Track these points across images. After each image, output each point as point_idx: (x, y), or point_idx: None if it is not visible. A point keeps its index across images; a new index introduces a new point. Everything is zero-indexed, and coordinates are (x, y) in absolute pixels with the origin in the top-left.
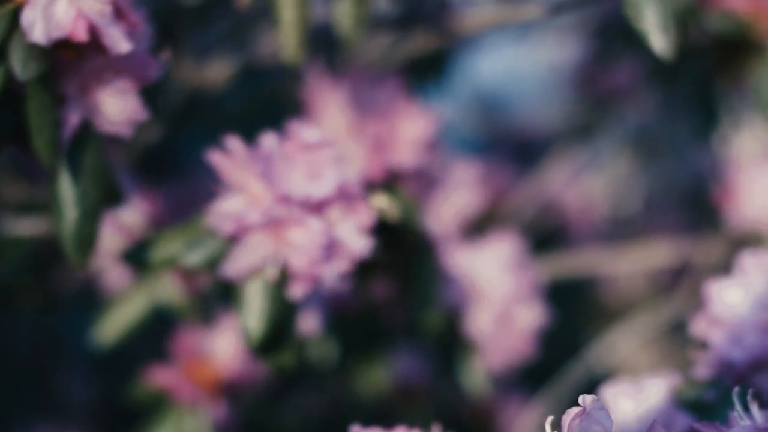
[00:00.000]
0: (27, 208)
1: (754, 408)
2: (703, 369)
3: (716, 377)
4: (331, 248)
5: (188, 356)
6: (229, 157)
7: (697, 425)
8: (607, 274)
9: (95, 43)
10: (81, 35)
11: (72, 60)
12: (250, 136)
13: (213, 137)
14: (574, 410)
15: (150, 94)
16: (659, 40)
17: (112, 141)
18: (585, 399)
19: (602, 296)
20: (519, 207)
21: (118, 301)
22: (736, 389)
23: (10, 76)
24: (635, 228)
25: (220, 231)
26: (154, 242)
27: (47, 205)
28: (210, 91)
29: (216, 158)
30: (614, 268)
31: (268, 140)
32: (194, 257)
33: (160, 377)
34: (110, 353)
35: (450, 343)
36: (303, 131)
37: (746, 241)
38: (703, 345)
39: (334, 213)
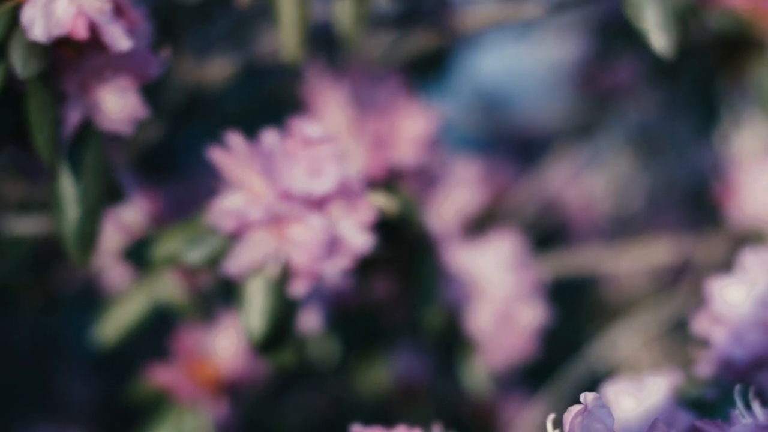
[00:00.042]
0: (27, 206)
1: (756, 406)
2: (704, 367)
3: (718, 375)
4: (332, 245)
5: (189, 355)
6: (230, 154)
7: (698, 423)
8: (609, 272)
9: (95, 41)
10: (81, 33)
11: (72, 58)
12: (250, 134)
13: (213, 135)
14: (576, 408)
15: (150, 92)
16: (659, 38)
17: (113, 139)
18: (586, 397)
19: (603, 294)
20: (520, 205)
21: (118, 300)
22: (738, 387)
23: (10, 75)
24: (636, 226)
25: (221, 228)
26: (154, 240)
27: (48, 204)
28: (210, 90)
29: (217, 155)
30: (615, 266)
31: (269, 137)
32: (195, 255)
33: (160, 376)
34: (111, 352)
35: (451, 342)
36: (304, 127)
37: (747, 238)
38: (705, 343)
39: (336, 209)
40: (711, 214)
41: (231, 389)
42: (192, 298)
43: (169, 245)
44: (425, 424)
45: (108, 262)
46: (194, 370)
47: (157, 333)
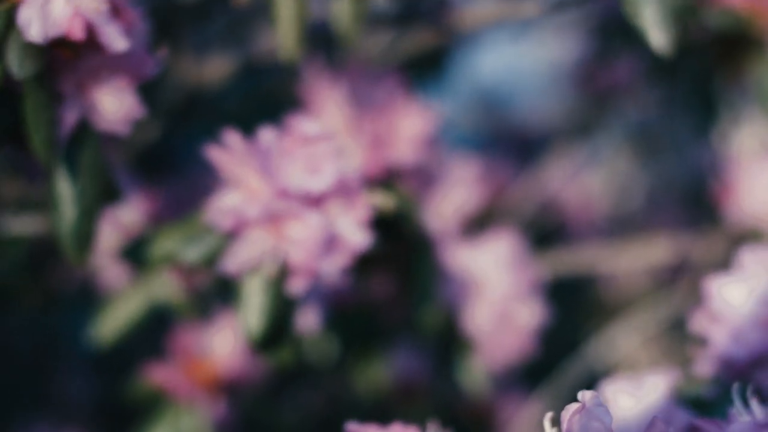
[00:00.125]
0: (25, 205)
1: (754, 404)
2: (702, 365)
3: (716, 374)
4: (329, 243)
5: (186, 354)
6: (227, 152)
7: (697, 422)
8: (607, 271)
9: (92, 42)
10: (77, 33)
11: (69, 58)
12: (248, 132)
13: (211, 134)
14: (574, 406)
15: (148, 91)
16: (658, 36)
17: (110, 138)
18: (584, 395)
19: (602, 293)
20: (518, 204)
21: (116, 299)
22: (736, 386)
23: (6, 75)
24: (635, 225)
25: (219, 226)
26: (152, 239)
27: (45, 203)
28: (208, 89)
29: (214, 153)
30: (614, 265)
31: (267, 134)
32: (193, 253)
33: (157, 375)
34: (108, 351)
35: (449, 341)
36: (302, 125)
37: (746, 237)
38: (703, 342)
39: (333, 207)
40: (710, 212)
41: (228, 388)
42: (189, 296)
43: (166, 244)
44: (423, 422)
45: (105, 261)
46: (192, 368)
47: (154, 332)
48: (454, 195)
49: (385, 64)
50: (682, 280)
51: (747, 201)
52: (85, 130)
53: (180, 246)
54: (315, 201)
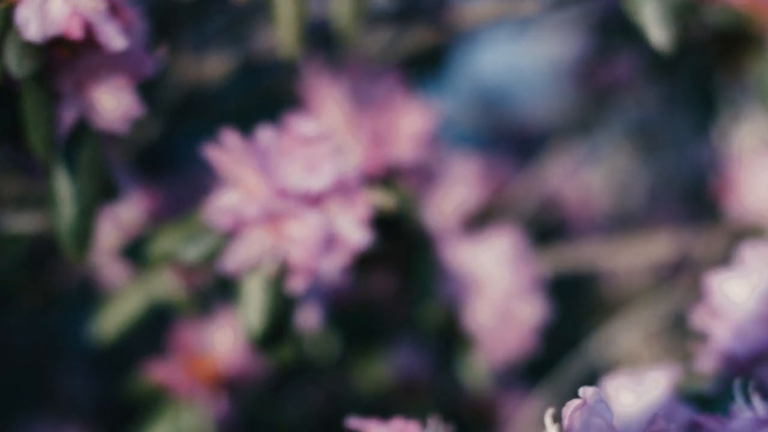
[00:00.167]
0: (24, 203)
1: (756, 400)
2: (704, 362)
3: (718, 370)
4: (329, 242)
5: (186, 351)
6: (226, 152)
7: (698, 418)
8: (608, 268)
9: (90, 40)
10: (76, 32)
11: (67, 57)
12: (248, 131)
13: (211, 133)
14: (575, 403)
15: (148, 89)
16: (658, 33)
17: (109, 137)
18: (586, 391)
19: (602, 290)
20: (519, 201)
21: (116, 297)
22: (738, 381)
23: (5, 74)
24: (636, 221)
25: (218, 226)
26: (152, 238)
27: (44, 201)
28: (208, 87)
29: (213, 153)
30: (614, 262)
31: (265, 134)
32: (192, 252)
33: (158, 372)
34: (109, 349)
35: (450, 338)
36: (300, 124)
37: (746, 233)
38: (704, 338)
39: (333, 206)
40: (710, 209)
41: (229, 385)
42: (190, 294)
43: (166, 243)
44: (424, 420)
45: (105, 259)
46: (192, 366)
47: (155, 330)
48: (455, 192)
49: (384, 62)
50: (682, 277)
51: (747, 197)
52: (83, 128)
53: (180, 245)
54: (314, 200)
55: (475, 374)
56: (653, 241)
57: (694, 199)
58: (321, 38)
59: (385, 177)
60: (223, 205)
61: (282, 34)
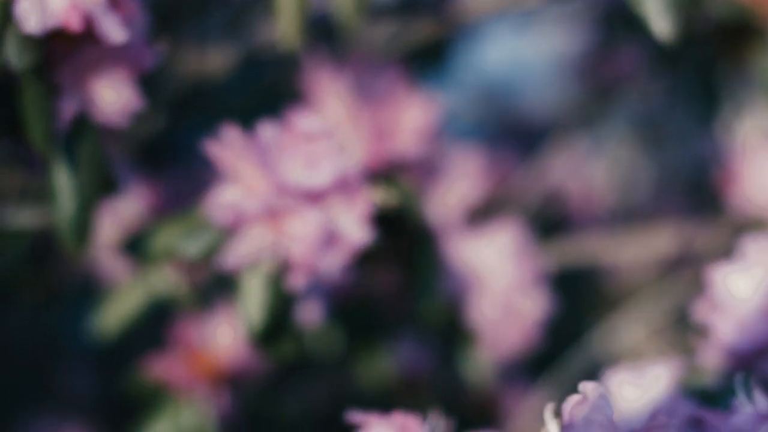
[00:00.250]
0: (25, 197)
1: (757, 394)
2: (706, 356)
3: (720, 364)
4: (330, 238)
5: (187, 347)
6: (227, 147)
7: (700, 412)
8: (611, 262)
9: (90, 33)
10: (75, 25)
11: (67, 50)
12: (251, 126)
13: (213, 127)
14: (575, 398)
15: (150, 83)
16: (661, 24)
17: (112, 131)
18: (586, 386)
19: (605, 283)
20: (522, 195)
21: (117, 293)
22: (740, 376)
23: (4, 67)
24: (639, 215)
25: (219, 221)
26: (152, 233)
27: (45, 195)
28: (210, 81)
29: (213, 148)
30: (617, 256)
31: (266, 130)
32: (193, 248)
33: (158, 369)
34: (110, 346)
35: (452, 333)
36: (302, 120)
37: (749, 226)
38: (706, 332)
39: (334, 203)
40: (713, 202)
41: (230, 381)
42: (191, 289)
43: (166, 238)
44: (426, 414)
45: (105, 254)
46: (193, 361)
47: (155, 327)
48: (457, 187)
49: (387, 55)
50: (686, 270)
51: (750, 190)
52: (84, 122)
53: (180, 240)
54: (315, 197)
55: (478, 369)
56: (656, 234)
57: (697, 192)
58: (323, 32)
59: (387, 171)
60: (224, 200)
61: (283, 26)
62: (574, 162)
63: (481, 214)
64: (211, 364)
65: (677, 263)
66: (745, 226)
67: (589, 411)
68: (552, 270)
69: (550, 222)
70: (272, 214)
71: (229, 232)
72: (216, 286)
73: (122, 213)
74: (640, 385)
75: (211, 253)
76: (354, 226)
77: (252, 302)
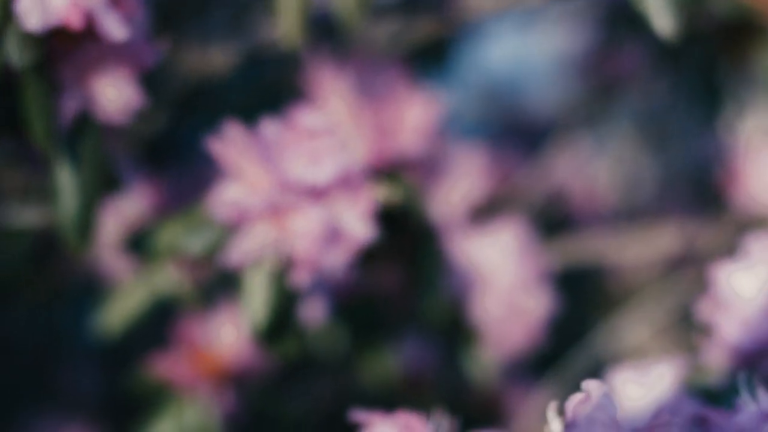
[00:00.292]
0: (27, 195)
1: (762, 393)
2: (710, 354)
3: (724, 362)
4: (333, 235)
5: (191, 345)
6: (229, 144)
7: (704, 411)
8: (614, 260)
9: (91, 31)
10: (76, 23)
11: (68, 48)
12: (253, 123)
13: (215, 125)
14: (579, 396)
15: (152, 81)
16: (662, 22)
17: (114, 129)
18: (589, 385)
19: (609, 282)
20: (525, 194)
21: (120, 291)
22: (744, 374)
23: (5, 65)
24: (642, 213)
25: (221, 219)
26: (155, 231)
27: (47, 193)
28: (212, 79)
29: (216, 146)
30: (621, 254)
31: (269, 127)
32: (196, 245)
33: (161, 367)
34: (113, 345)
35: (456, 331)
36: (304, 117)
37: (752, 224)
38: (710, 331)
39: (337, 200)
40: (716, 200)
41: (234, 379)
42: (194, 288)
43: (169, 236)
44: (430, 413)
45: (108, 252)
46: (196, 360)
47: (159, 325)
48: (461, 185)
49: (389, 53)
50: (689, 269)
51: (753, 188)
52: (85, 120)
53: (183, 238)
54: (318, 194)
55: (481, 367)
56: (660, 233)
57: (700, 191)
58: (325, 30)
59: (390, 170)
60: (227, 198)
61: (285, 24)
62: (577, 160)
63: (485, 212)
64: (214, 363)
65: (680, 262)
66: (749, 224)
67: (592, 409)
68: (555, 268)
69: (553, 220)
70: (275, 211)
71: (232, 229)
72: (219, 284)
73: (125, 211)
74: (643, 383)
75: (214, 250)
76: (357, 223)
77: (255, 300)
